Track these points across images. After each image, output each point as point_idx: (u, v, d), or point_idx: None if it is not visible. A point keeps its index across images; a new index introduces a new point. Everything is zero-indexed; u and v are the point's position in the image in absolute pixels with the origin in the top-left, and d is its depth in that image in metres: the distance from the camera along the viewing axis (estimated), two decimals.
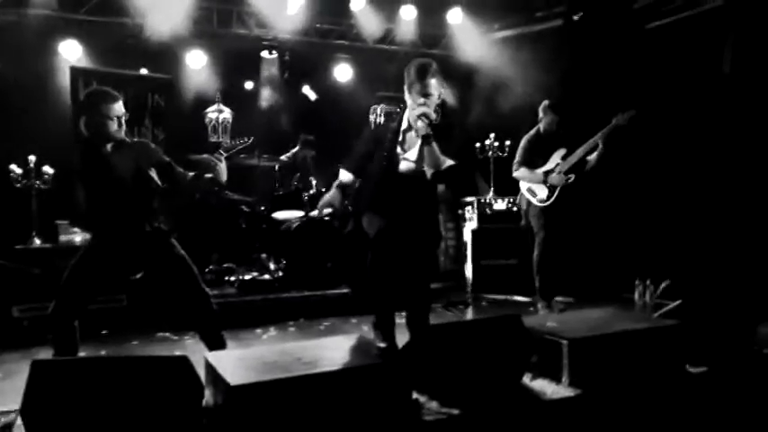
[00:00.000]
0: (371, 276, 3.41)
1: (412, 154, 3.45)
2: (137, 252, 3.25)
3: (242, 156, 6.14)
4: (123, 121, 3.28)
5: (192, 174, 3.35)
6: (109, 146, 3.27)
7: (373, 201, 3.50)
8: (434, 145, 3.26)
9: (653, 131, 5.48)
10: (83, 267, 3.19)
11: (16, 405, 2.26)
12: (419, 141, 3.36)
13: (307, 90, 6.73)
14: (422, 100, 3.28)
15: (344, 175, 3.61)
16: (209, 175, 3.32)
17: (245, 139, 3.56)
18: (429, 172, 3.36)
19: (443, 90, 3.46)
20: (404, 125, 3.50)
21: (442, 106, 3.47)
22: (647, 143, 5.61)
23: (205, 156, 3.39)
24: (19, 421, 2.31)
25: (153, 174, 3.32)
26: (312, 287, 5.56)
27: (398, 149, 3.48)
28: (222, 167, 3.33)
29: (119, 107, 3.25)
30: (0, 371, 3.78)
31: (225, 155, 3.39)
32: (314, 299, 5.43)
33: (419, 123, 3.26)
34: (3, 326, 4.51)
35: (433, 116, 3.27)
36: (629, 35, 6.03)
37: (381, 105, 3.39)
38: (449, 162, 3.33)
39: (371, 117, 3.54)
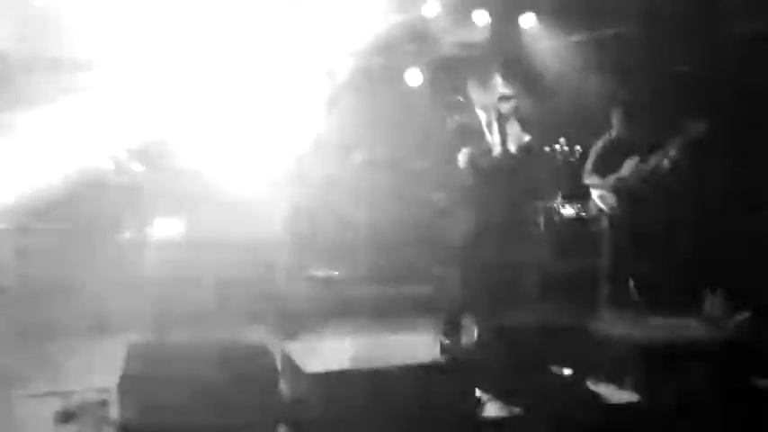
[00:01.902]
0: (450, 279, 3.55)
1: (496, 137, 3.61)
2: None
3: None
4: None
5: None
6: None
7: (471, 193, 3.63)
8: (517, 122, 3.53)
9: (728, 141, 5.33)
10: None
11: (112, 384, 2.48)
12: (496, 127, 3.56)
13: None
14: (501, 91, 3.51)
15: None
16: None
17: None
18: (515, 145, 3.57)
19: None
20: (485, 121, 3.66)
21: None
22: (721, 153, 5.45)
23: None
24: (115, 398, 2.52)
25: None
26: (382, 284, 5.69)
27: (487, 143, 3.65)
28: None
29: None
30: (98, 353, 4.07)
31: None
32: (382, 296, 5.56)
33: (505, 105, 3.43)
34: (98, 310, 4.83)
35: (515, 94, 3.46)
36: (711, 41, 5.86)
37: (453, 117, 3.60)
38: (528, 137, 3.60)
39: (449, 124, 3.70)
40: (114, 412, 2.53)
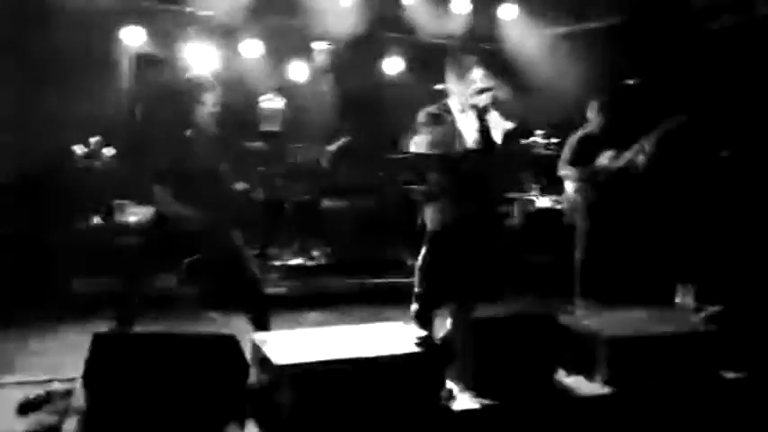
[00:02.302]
0: (422, 269, 3.55)
1: (472, 131, 3.61)
2: (195, 236, 3.42)
3: (292, 145, 6.31)
4: (213, 111, 3.45)
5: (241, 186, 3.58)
6: (191, 132, 3.45)
7: (445, 184, 3.62)
8: (496, 112, 3.55)
9: (704, 135, 5.38)
10: (150, 246, 3.39)
11: (76, 374, 2.44)
12: (475, 121, 3.56)
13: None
14: (479, 85, 3.52)
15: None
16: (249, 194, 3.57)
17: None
18: (499, 135, 3.57)
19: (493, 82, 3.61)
20: (457, 111, 3.67)
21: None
22: (697, 147, 5.51)
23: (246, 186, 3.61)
24: (79, 389, 2.47)
25: (223, 168, 3.51)
26: (354, 275, 5.68)
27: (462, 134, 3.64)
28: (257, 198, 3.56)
29: (212, 97, 3.45)
30: (60, 342, 4.01)
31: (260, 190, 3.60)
32: (355, 286, 5.55)
33: (482, 96, 3.48)
34: (63, 299, 4.77)
35: (493, 86, 3.45)
36: (687, 36, 5.90)
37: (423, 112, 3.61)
38: (510, 124, 3.61)
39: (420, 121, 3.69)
40: (79, 402, 2.48)
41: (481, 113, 3.51)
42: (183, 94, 3.49)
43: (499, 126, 3.57)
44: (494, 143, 3.58)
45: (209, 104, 3.44)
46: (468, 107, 3.58)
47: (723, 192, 5.48)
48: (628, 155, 4.79)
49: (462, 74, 3.58)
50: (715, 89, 5.58)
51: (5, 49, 5.54)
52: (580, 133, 5.07)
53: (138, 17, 6.41)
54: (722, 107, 5.49)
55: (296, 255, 5.92)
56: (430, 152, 3.69)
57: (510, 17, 7.15)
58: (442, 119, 3.68)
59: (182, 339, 2.49)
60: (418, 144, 3.75)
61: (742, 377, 3.07)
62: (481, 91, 3.49)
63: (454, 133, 3.61)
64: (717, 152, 5.54)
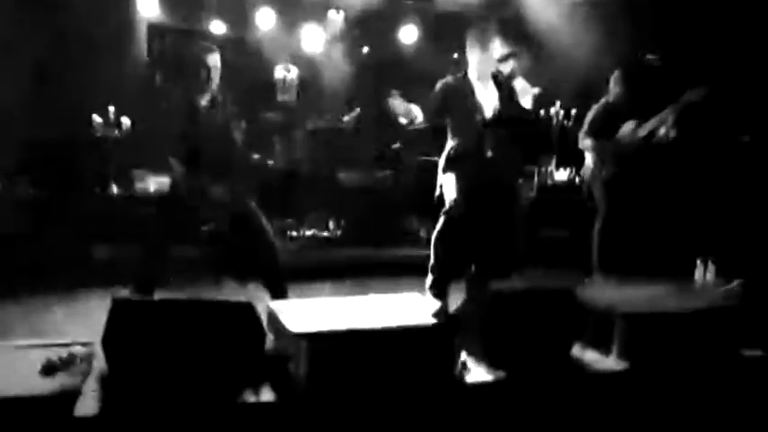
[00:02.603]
0: (438, 241, 3.55)
1: (493, 101, 3.59)
2: (213, 205, 3.44)
3: (308, 116, 6.29)
4: (215, 73, 3.46)
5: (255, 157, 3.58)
6: (203, 102, 3.46)
7: (463, 154, 3.58)
8: (522, 78, 3.57)
9: (726, 109, 5.27)
10: (166, 215, 3.42)
11: (96, 338, 2.47)
12: (494, 89, 3.57)
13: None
14: (504, 51, 3.55)
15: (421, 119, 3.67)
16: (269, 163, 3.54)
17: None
18: (528, 100, 3.59)
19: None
20: (475, 79, 3.62)
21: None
22: (719, 121, 5.41)
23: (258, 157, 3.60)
24: (99, 352, 2.51)
25: (236, 138, 3.52)
26: (371, 246, 5.69)
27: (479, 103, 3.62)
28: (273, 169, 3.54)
29: (212, 59, 3.46)
30: (81, 306, 4.08)
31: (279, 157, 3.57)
32: (369, 257, 5.56)
33: (509, 62, 3.52)
34: (83, 264, 4.84)
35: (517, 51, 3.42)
36: (712, 4, 5.75)
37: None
38: (537, 89, 3.62)
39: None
40: (99, 366, 2.52)
41: (508, 79, 3.48)
42: (195, 62, 3.48)
43: (527, 91, 3.53)
44: (521, 108, 3.55)
45: (212, 66, 3.42)
46: (491, 75, 3.55)
47: (744, 166, 5.39)
48: (650, 125, 4.71)
49: (484, 42, 3.53)
50: (736, 61, 5.45)
51: (22, 22, 5.54)
52: (601, 104, 4.97)
53: None
54: (742, 80, 5.37)
55: (312, 226, 5.93)
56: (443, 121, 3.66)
57: None
58: (460, 88, 3.64)
59: (199, 305, 2.51)
60: (431, 111, 3.71)
61: (761, 355, 3.04)
62: (506, 57, 3.46)
63: (474, 103, 3.57)
64: (738, 127, 5.43)
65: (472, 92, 3.60)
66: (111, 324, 2.36)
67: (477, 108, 3.57)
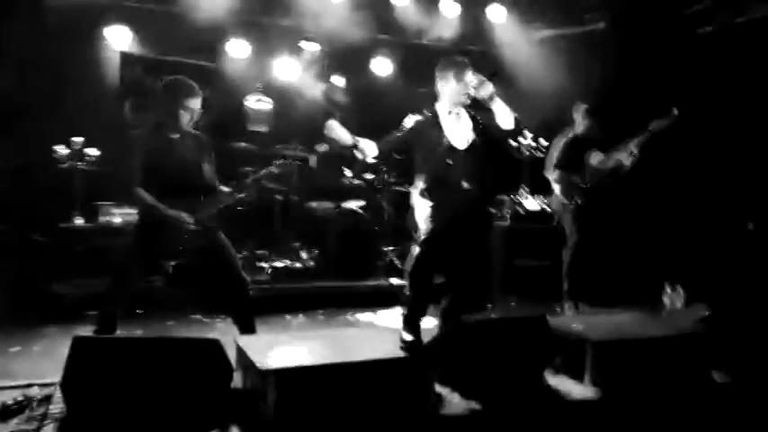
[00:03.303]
0: (414, 272, 3.52)
1: (466, 132, 3.62)
2: (182, 238, 3.36)
3: (279, 146, 6.24)
4: (194, 118, 3.42)
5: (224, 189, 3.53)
6: (175, 133, 3.42)
7: (434, 187, 3.59)
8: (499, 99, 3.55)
9: (691, 139, 5.40)
10: (134, 250, 3.34)
11: (55, 378, 2.38)
12: (467, 119, 3.63)
13: (335, 81, 6.77)
14: (475, 80, 3.54)
15: (372, 151, 3.67)
16: (239, 196, 3.56)
17: (271, 169, 3.75)
18: (510, 121, 3.57)
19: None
20: (444, 113, 3.67)
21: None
22: (684, 150, 5.53)
23: (232, 186, 3.58)
24: (58, 394, 2.41)
25: (206, 168, 3.47)
26: (342, 278, 5.63)
27: (446, 135, 3.64)
28: (252, 196, 3.51)
29: (197, 102, 3.41)
30: (40, 345, 3.93)
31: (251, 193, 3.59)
32: (343, 289, 5.50)
33: (483, 89, 3.51)
34: (43, 301, 4.68)
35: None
36: (677, 40, 5.93)
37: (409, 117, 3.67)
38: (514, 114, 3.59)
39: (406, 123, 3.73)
40: (57, 408, 2.43)
41: (488, 101, 3.52)
42: (168, 95, 3.44)
43: (508, 114, 3.55)
44: (503, 131, 3.57)
45: (193, 108, 3.40)
46: (464, 104, 3.59)
47: (710, 194, 5.50)
48: (616, 156, 4.80)
49: (459, 71, 3.56)
50: (702, 92, 5.60)
51: None
52: (567, 136, 5.07)
53: (124, 17, 6.34)
54: (709, 110, 5.52)
55: (284, 257, 5.86)
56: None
57: (499, 20, 7.14)
58: (428, 123, 3.67)
59: (164, 343, 2.44)
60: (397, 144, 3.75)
61: (730, 380, 3.05)
62: (480, 83, 3.50)
63: (441, 136, 3.60)
64: (704, 154, 5.56)
65: (439, 126, 3.63)
66: (72, 363, 2.27)
67: (444, 139, 3.59)
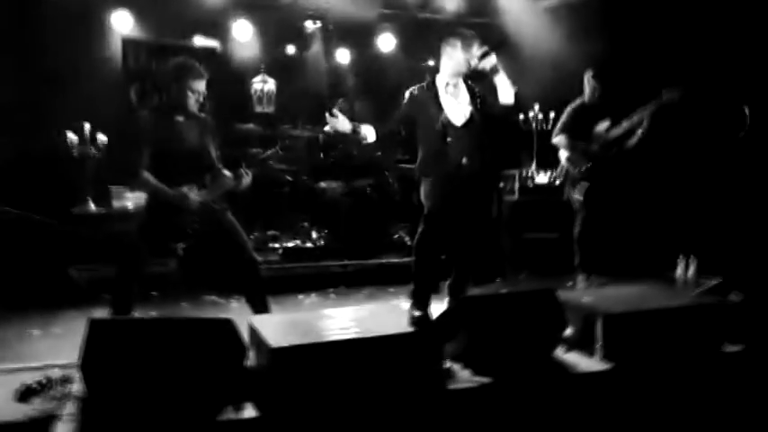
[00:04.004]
0: (418, 248, 3.55)
1: (463, 106, 3.61)
2: (190, 220, 3.39)
3: (286, 126, 6.25)
4: (200, 100, 3.43)
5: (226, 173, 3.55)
6: (180, 115, 3.43)
7: (431, 164, 3.60)
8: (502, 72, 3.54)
9: (701, 108, 5.33)
10: (143, 233, 3.37)
11: (74, 360, 2.43)
12: (466, 94, 3.61)
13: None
14: (479, 52, 3.54)
15: (371, 135, 3.68)
16: (234, 183, 3.54)
17: (276, 149, 3.73)
18: (511, 95, 3.56)
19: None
20: (443, 86, 3.62)
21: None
22: (695, 119, 5.46)
23: (236, 171, 3.57)
24: (77, 375, 2.47)
25: (212, 151, 3.49)
26: (352, 256, 5.67)
27: (444, 111, 3.64)
28: (247, 180, 3.56)
29: (202, 85, 3.41)
30: (59, 327, 4.01)
31: (248, 174, 3.58)
32: (353, 267, 5.55)
33: (489, 58, 3.49)
34: (60, 285, 4.76)
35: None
36: (686, 7, 5.82)
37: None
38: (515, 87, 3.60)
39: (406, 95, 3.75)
40: (77, 389, 2.48)
41: (491, 74, 3.51)
42: (174, 77, 3.45)
43: (509, 87, 3.54)
44: (503, 107, 3.56)
45: (198, 90, 3.40)
46: (463, 80, 3.58)
47: (723, 165, 5.45)
48: (625, 125, 4.74)
49: (465, 43, 3.55)
50: (710, 61, 5.52)
51: None
52: (576, 103, 5.01)
53: (125, 1, 6.33)
54: (717, 80, 5.44)
55: (294, 237, 5.90)
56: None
57: None
58: (425, 97, 3.65)
59: (178, 324, 2.48)
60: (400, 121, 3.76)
61: (741, 350, 3.06)
62: (486, 53, 3.49)
63: (438, 111, 3.59)
64: (713, 126, 5.49)
65: (437, 101, 3.62)
66: (89, 345, 2.32)
67: (441, 116, 3.58)
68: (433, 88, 3.67)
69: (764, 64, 5.19)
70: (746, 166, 5.26)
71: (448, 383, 2.57)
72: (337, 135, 6.34)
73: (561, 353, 2.98)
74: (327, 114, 3.63)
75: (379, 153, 6.40)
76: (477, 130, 3.59)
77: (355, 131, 3.63)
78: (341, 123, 3.59)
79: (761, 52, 5.24)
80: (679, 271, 5.33)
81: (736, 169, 5.34)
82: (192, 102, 3.41)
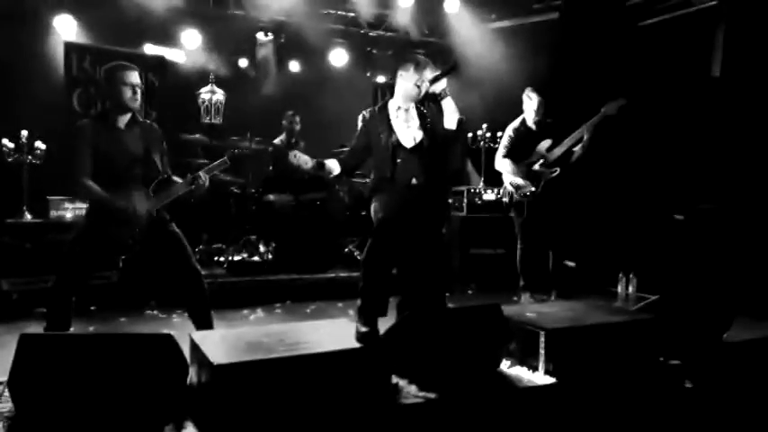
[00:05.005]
0: (366, 263, 3.55)
1: (413, 130, 3.66)
2: (132, 230, 3.29)
3: (234, 138, 6.17)
4: (138, 92, 3.36)
5: (178, 180, 3.50)
6: (122, 122, 3.35)
7: (381, 184, 3.66)
8: (450, 98, 3.61)
9: (640, 126, 5.52)
10: (82, 243, 3.26)
11: (3, 377, 2.31)
12: (415, 117, 3.68)
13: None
14: (431, 75, 3.59)
15: (336, 169, 3.70)
16: (189, 188, 3.51)
17: (224, 160, 3.70)
18: (454, 121, 3.61)
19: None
20: (394, 110, 3.69)
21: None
22: (634, 137, 5.65)
23: (188, 177, 3.53)
24: (6, 392, 2.35)
25: (157, 159, 3.41)
26: (300, 270, 5.61)
27: (395, 133, 3.68)
28: (204, 186, 3.51)
29: (135, 76, 3.35)
30: None
31: (206, 177, 3.53)
32: (301, 282, 5.49)
33: (437, 84, 3.57)
34: None
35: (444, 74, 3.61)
36: (621, 31, 6.06)
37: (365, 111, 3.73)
38: (461, 116, 3.64)
39: (360, 121, 3.82)
40: (6, 407, 2.37)
41: (439, 99, 3.57)
42: (107, 77, 3.38)
43: (455, 112, 3.60)
44: (446, 131, 3.61)
45: (133, 83, 3.34)
46: (414, 104, 3.62)
47: (661, 182, 5.64)
48: (566, 142, 4.78)
49: (418, 67, 3.61)
50: (651, 81, 5.74)
51: None
52: (516, 123, 5.02)
53: (69, 5, 6.16)
54: (658, 99, 5.65)
55: (241, 250, 5.80)
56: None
57: (452, 10, 7.17)
58: (376, 120, 3.70)
59: (115, 339, 2.40)
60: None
61: (679, 364, 3.16)
62: (438, 77, 3.55)
63: (389, 134, 3.64)
64: (653, 142, 5.68)
65: (388, 123, 3.67)
66: (18, 361, 2.22)
67: (392, 138, 3.63)
68: (384, 111, 3.72)
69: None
70: (672, 185, 5.46)
71: (395, 399, 2.57)
72: (289, 142, 6.36)
73: (506, 367, 3.02)
74: (290, 156, 3.64)
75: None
76: (426, 152, 3.64)
77: (320, 167, 3.66)
78: (303, 162, 3.60)
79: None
80: (620, 287, 5.47)
81: (675, 185, 5.53)
82: (129, 95, 3.33)
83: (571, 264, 4.93)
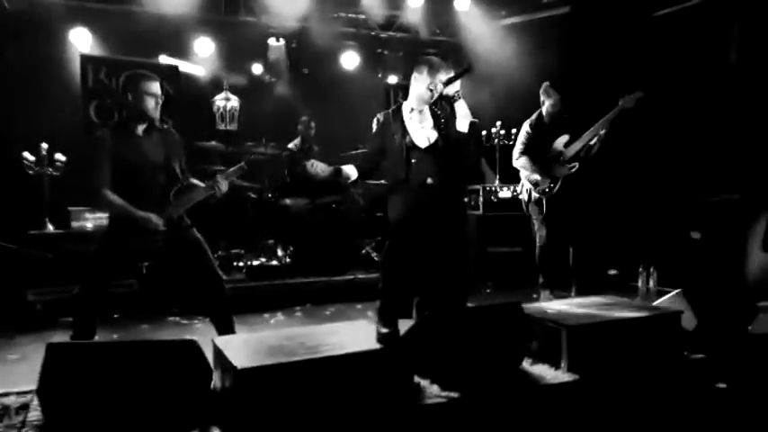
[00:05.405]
0: (385, 264, 3.57)
1: (427, 130, 3.67)
2: (154, 238, 3.33)
3: (249, 144, 6.22)
4: (159, 102, 3.40)
5: (200, 184, 3.54)
6: (140, 129, 3.38)
7: (396, 185, 3.68)
8: (464, 102, 3.64)
9: (658, 118, 5.47)
10: (105, 253, 3.30)
11: (32, 386, 2.35)
12: (430, 118, 3.68)
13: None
14: (444, 77, 3.62)
15: (353, 174, 3.73)
16: (209, 192, 3.53)
17: (242, 165, 3.72)
18: (466, 125, 3.63)
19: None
20: (407, 111, 3.69)
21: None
22: (652, 129, 5.60)
23: (208, 182, 3.56)
24: (35, 401, 2.39)
25: (177, 166, 3.44)
26: (318, 273, 5.64)
27: (409, 134, 3.69)
28: (224, 189, 3.54)
29: (156, 87, 3.39)
30: (16, 353, 3.89)
31: (225, 182, 3.54)
32: (320, 285, 5.51)
33: (450, 86, 3.60)
34: (17, 309, 4.62)
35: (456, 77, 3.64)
36: (635, 22, 6.01)
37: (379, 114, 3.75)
38: (473, 119, 3.67)
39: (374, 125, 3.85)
40: (35, 416, 2.40)
41: (451, 101, 3.58)
42: (128, 87, 3.41)
43: (467, 116, 3.61)
44: (458, 133, 3.62)
45: (154, 93, 3.37)
46: (428, 105, 3.63)
47: (681, 174, 5.58)
48: (584, 137, 4.72)
49: (432, 69, 3.62)
50: (667, 72, 5.69)
51: None
52: (532, 119, 4.97)
53: (85, 18, 6.24)
54: (675, 90, 5.60)
55: (259, 255, 5.84)
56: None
57: (463, 8, 7.16)
58: (391, 122, 3.71)
59: (140, 346, 2.42)
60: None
61: (703, 358, 3.13)
62: (452, 79, 3.56)
63: (403, 135, 3.65)
64: (672, 133, 5.62)
65: (402, 124, 3.68)
66: (47, 371, 2.25)
67: (406, 139, 3.64)
68: (398, 113, 3.74)
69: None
70: (706, 175, 5.39)
71: (417, 399, 2.57)
72: (305, 147, 6.39)
73: (527, 365, 3.01)
74: (308, 166, 3.67)
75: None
76: (440, 152, 3.64)
77: (338, 173, 3.70)
78: (321, 170, 3.64)
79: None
80: (640, 281, 5.43)
81: (694, 178, 5.47)
82: (152, 105, 3.37)
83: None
